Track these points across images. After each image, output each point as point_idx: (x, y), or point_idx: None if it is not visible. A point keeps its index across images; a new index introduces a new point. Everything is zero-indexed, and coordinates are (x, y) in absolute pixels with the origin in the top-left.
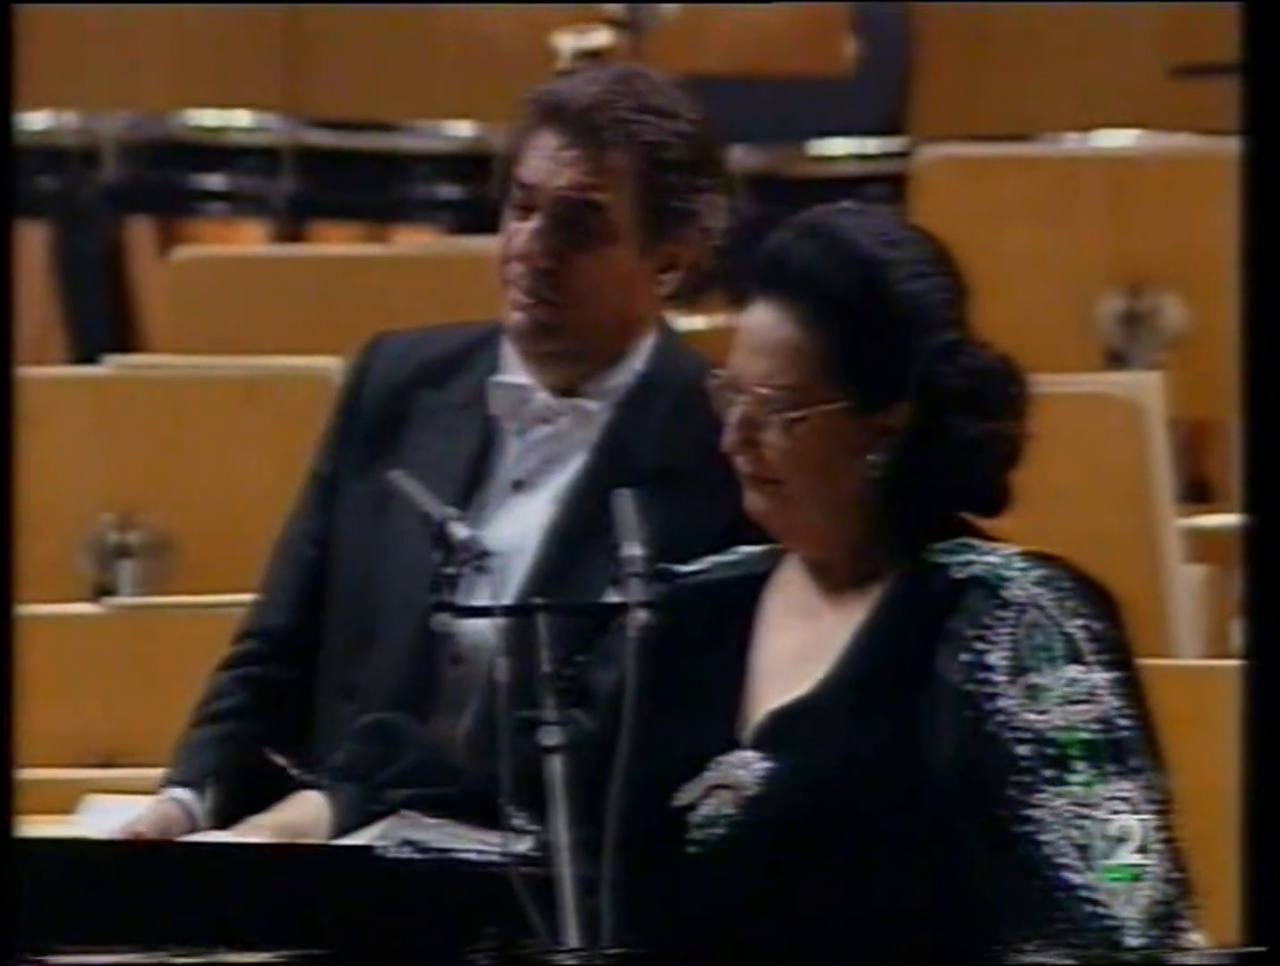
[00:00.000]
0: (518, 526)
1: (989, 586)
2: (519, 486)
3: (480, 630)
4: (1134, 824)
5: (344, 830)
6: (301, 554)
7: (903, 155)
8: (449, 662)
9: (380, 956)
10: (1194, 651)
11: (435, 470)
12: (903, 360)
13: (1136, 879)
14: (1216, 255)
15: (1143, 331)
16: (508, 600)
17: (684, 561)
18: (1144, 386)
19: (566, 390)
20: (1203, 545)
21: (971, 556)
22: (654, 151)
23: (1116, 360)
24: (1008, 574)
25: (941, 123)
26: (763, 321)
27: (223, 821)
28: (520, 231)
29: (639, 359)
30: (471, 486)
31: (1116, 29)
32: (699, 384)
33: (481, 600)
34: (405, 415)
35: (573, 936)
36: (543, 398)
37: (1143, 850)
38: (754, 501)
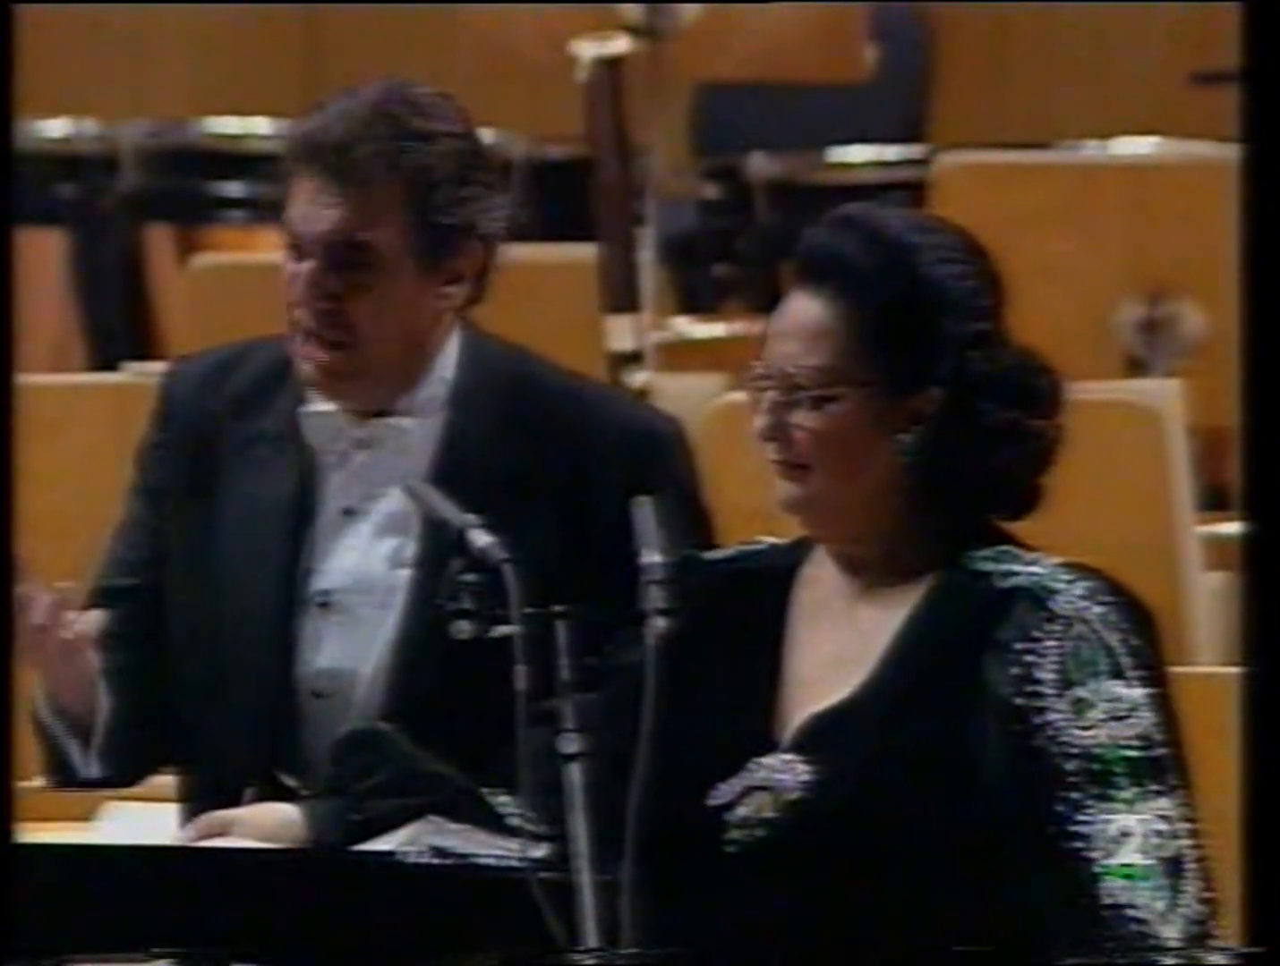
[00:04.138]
0: (356, 556)
1: (1036, 598)
2: (349, 513)
3: (342, 662)
4: (1174, 842)
5: (323, 842)
6: (140, 578)
7: (922, 162)
8: (310, 698)
9: (396, 961)
10: (1213, 659)
11: (260, 507)
12: (932, 344)
13: (1176, 896)
14: (1236, 263)
15: (1162, 339)
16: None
17: (539, 564)
18: (1163, 394)
19: (378, 412)
20: (1222, 552)
21: (1015, 566)
22: (418, 177)
23: (1136, 367)
24: (1054, 586)
25: (961, 129)
26: (793, 307)
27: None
28: (297, 276)
29: (446, 365)
30: (299, 520)
31: (1136, 36)
32: (521, 381)
33: (335, 643)
34: (217, 451)
35: (592, 940)
36: (357, 423)
37: (1181, 870)
38: (784, 490)
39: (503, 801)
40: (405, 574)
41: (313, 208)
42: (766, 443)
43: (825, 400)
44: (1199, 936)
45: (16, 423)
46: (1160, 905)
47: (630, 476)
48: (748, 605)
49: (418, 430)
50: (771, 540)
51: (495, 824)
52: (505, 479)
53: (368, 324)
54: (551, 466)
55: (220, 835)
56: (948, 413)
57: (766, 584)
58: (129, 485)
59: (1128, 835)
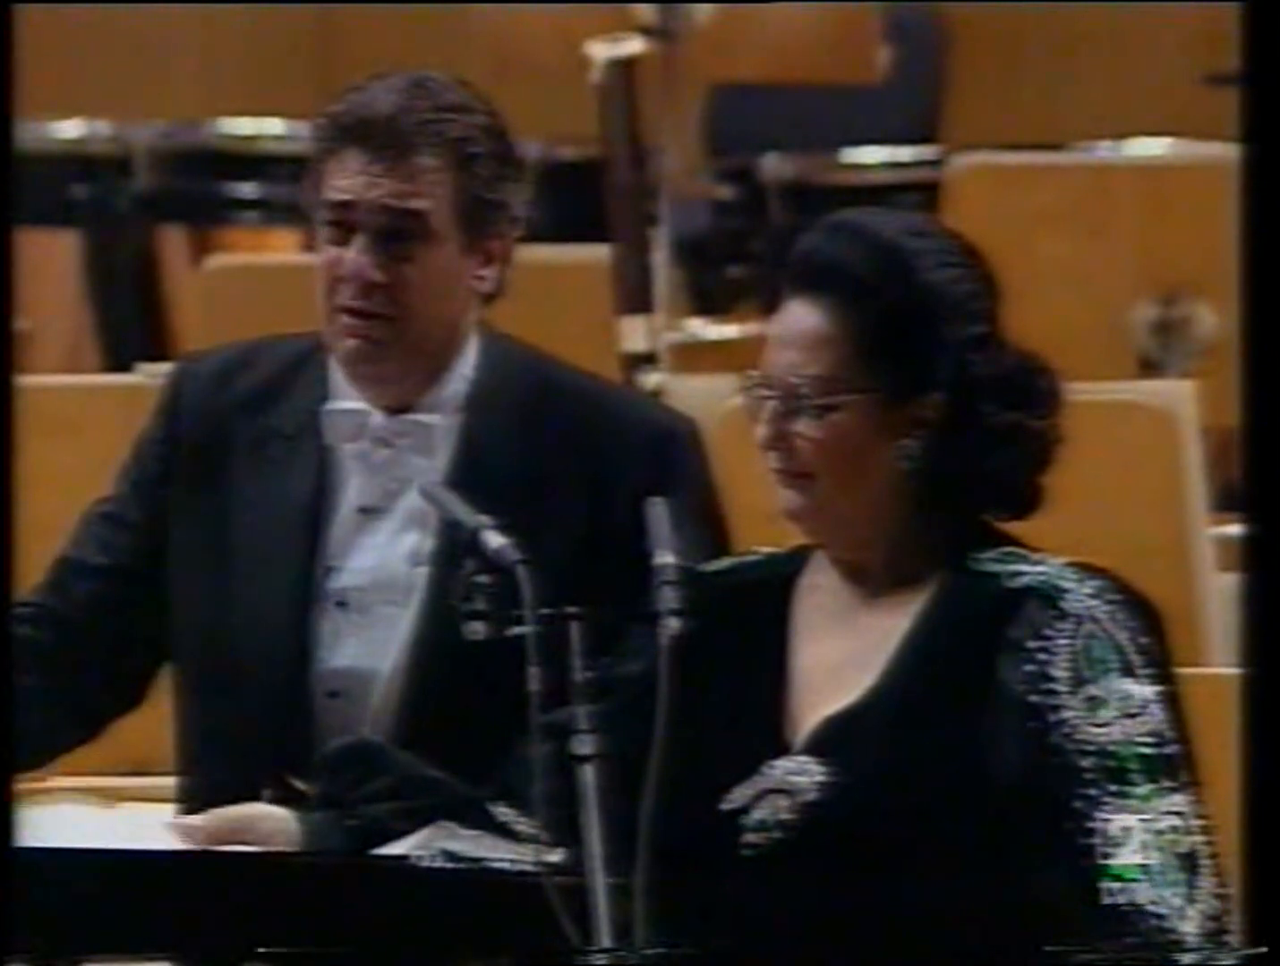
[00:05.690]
0: (375, 554)
1: (1046, 597)
2: (366, 512)
3: (359, 661)
4: (1188, 838)
5: (321, 848)
6: (108, 559)
7: (936, 163)
8: (325, 698)
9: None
10: (1227, 660)
11: (275, 505)
12: (932, 349)
13: (1192, 891)
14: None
15: (1176, 339)
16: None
17: (556, 566)
18: (1177, 394)
19: (402, 408)
20: (1236, 553)
21: (1022, 566)
22: (461, 147)
23: (1149, 368)
24: (1063, 585)
25: (974, 131)
26: (792, 316)
27: None
28: (339, 258)
29: (467, 364)
30: (317, 518)
31: (1150, 37)
32: (539, 381)
33: (352, 644)
34: (228, 448)
35: (605, 942)
36: (380, 419)
37: (1196, 866)
38: (787, 499)
39: (503, 811)
40: (424, 572)
41: (363, 178)
42: (768, 452)
43: (827, 409)
44: (1216, 931)
45: (24, 423)
46: (1178, 900)
47: (648, 477)
48: (748, 615)
49: (439, 429)
50: (768, 550)
51: (497, 831)
52: (523, 479)
53: (413, 298)
54: (569, 467)
55: (238, 836)
56: (950, 417)
57: (766, 593)
58: (121, 470)
59: (1143, 831)
